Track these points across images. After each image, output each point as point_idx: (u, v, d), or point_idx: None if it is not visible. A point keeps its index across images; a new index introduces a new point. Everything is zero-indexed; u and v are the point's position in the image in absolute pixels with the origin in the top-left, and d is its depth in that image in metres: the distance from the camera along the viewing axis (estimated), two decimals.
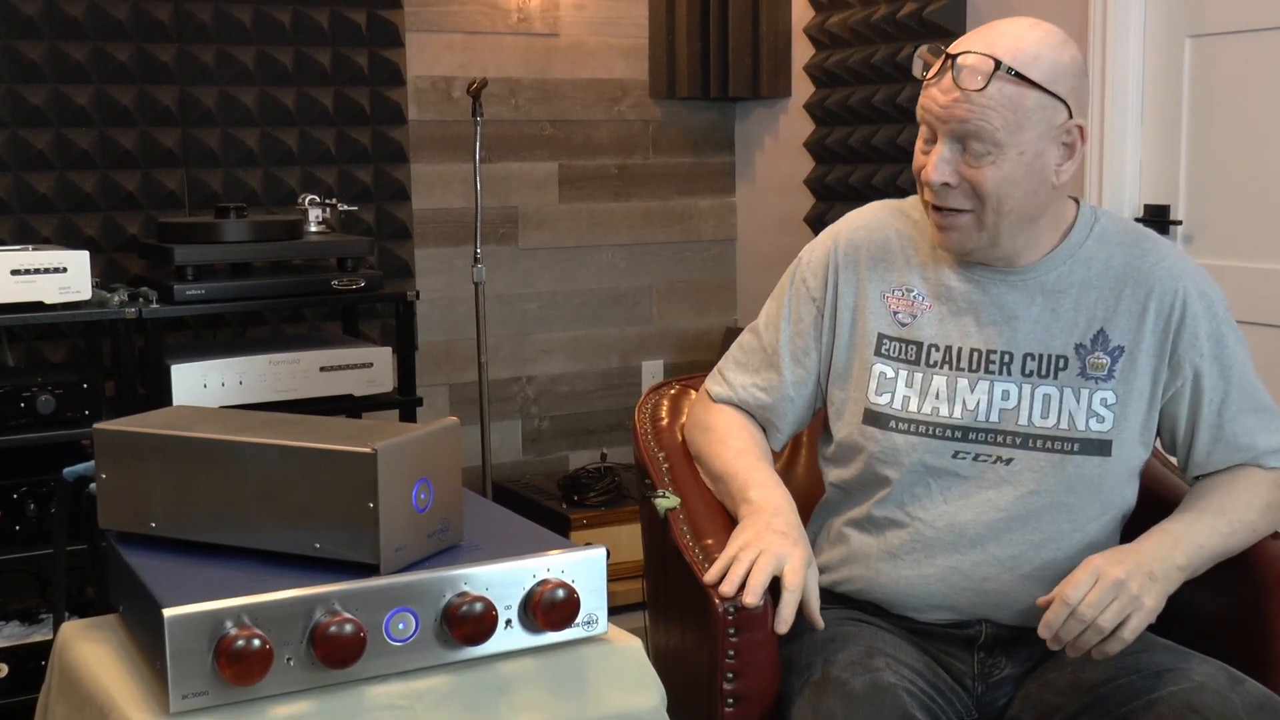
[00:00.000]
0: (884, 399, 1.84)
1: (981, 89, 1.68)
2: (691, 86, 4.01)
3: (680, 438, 2.06)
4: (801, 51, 3.90)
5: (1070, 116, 1.73)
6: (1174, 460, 1.93)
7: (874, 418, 1.84)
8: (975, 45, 1.72)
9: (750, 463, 1.89)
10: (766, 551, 1.71)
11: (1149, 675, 1.68)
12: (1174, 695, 1.63)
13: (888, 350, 1.86)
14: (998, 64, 1.68)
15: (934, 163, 1.74)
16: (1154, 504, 1.85)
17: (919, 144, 1.79)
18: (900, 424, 1.83)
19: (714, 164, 4.25)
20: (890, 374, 1.85)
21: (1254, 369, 1.85)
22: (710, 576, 1.73)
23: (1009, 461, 1.79)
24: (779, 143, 4.08)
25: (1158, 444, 1.90)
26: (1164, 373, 1.81)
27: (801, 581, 1.70)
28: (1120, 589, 1.66)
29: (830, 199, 3.81)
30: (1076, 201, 1.87)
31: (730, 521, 1.87)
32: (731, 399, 1.98)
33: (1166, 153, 3.00)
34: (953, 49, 1.73)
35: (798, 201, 3.96)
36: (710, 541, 1.81)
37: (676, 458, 2.01)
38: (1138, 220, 3.02)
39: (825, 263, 1.93)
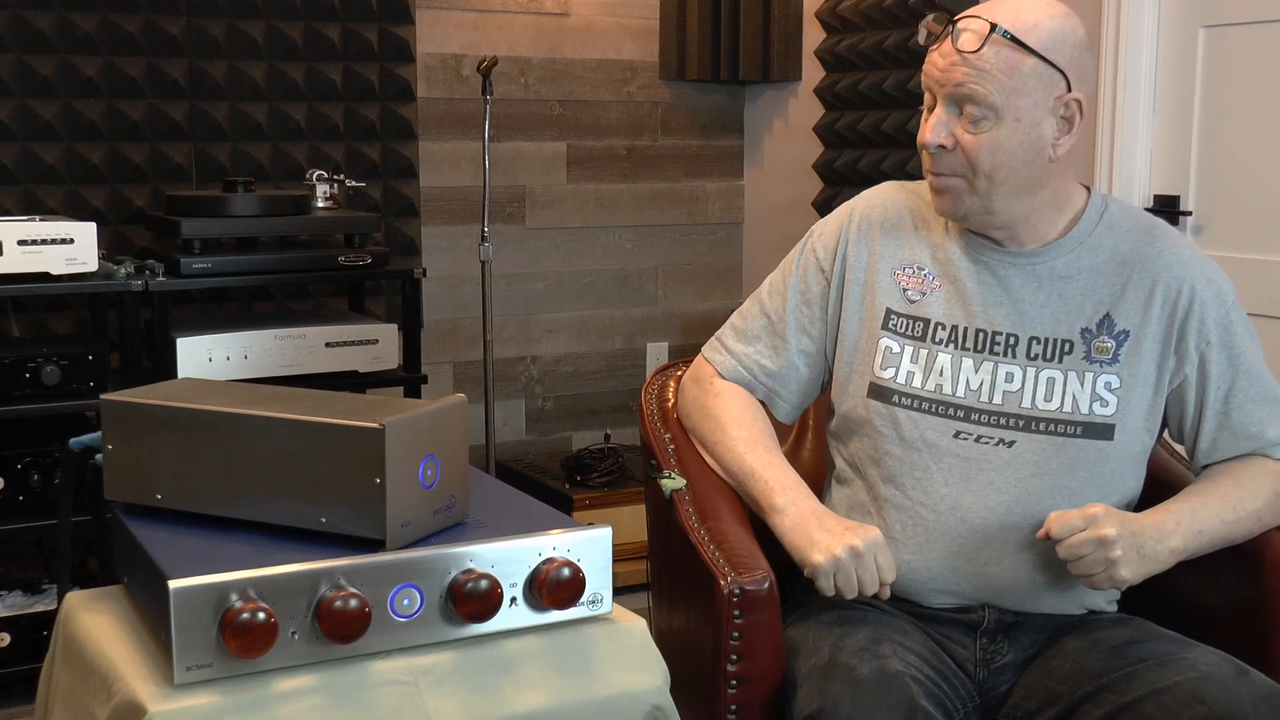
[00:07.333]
0: (888, 373, 1.85)
1: (977, 51, 1.71)
2: (701, 69, 4.00)
3: None
4: (812, 35, 3.89)
5: (1069, 90, 1.74)
6: (1181, 450, 1.92)
7: (878, 391, 1.85)
8: (977, 12, 1.75)
9: (762, 457, 1.88)
10: (854, 553, 1.72)
11: (1154, 665, 1.68)
12: (1179, 685, 1.62)
13: (894, 325, 1.87)
14: (993, 27, 1.71)
15: (931, 125, 1.77)
16: (1160, 494, 1.84)
17: (924, 115, 1.81)
18: (904, 399, 1.84)
19: (723, 147, 4.23)
20: (896, 349, 1.85)
21: (1264, 360, 1.85)
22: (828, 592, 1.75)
23: (1011, 444, 1.80)
24: (788, 126, 4.06)
25: (1165, 434, 1.90)
26: (1170, 360, 1.82)
27: (891, 558, 1.75)
28: (1102, 548, 1.69)
29: (839, 184, 3.80)
30: (1088, 190, 1.88)
31: (737, 502, 1.87)
32: (736, 369, 1.97)
33: (1178, 143, 2.99)
34: (956, 17, 1.76)
35: (806, 186, 3.95)
36: (714, 523, 1.81)
37: (682, 439, 2.01)
38: (1147, 210, 3.01)
39: (837, 235, 1.94)
